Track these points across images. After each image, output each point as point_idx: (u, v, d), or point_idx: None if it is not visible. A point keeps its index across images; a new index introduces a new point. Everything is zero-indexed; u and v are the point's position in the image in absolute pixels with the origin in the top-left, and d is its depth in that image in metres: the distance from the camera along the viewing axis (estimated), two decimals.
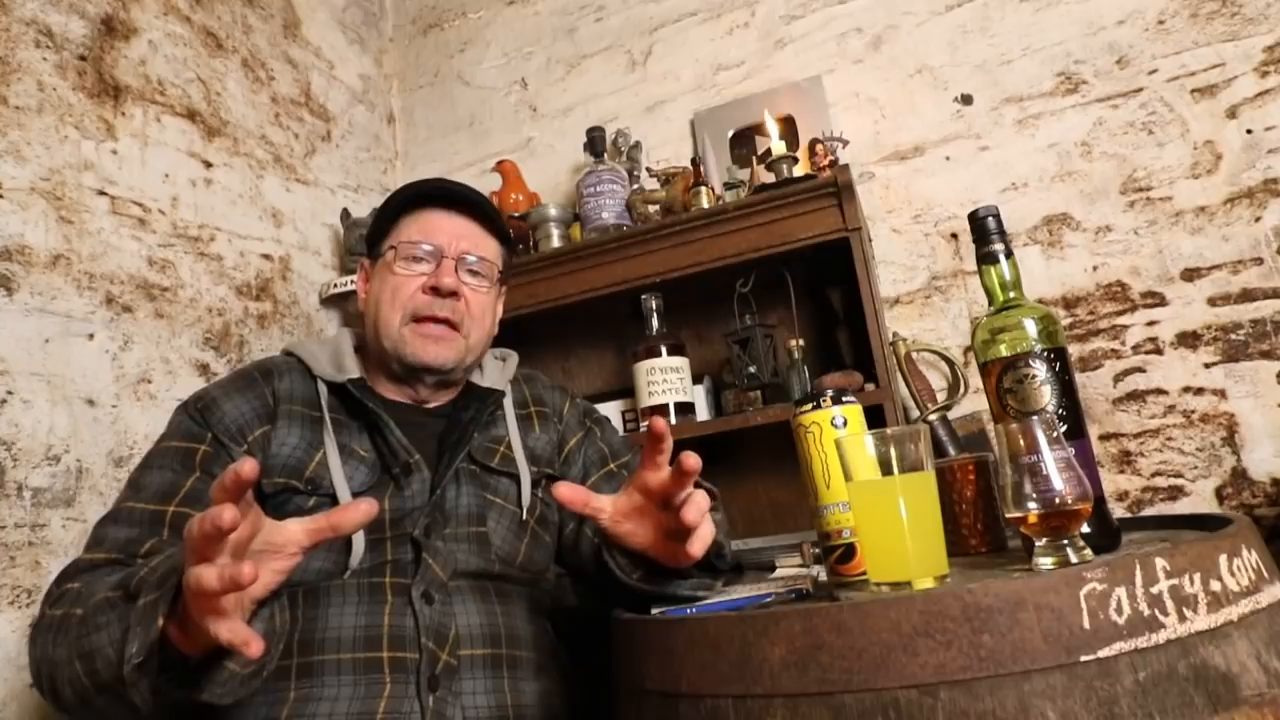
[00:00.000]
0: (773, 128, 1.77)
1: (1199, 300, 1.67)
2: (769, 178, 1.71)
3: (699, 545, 0.84)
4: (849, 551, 0.83)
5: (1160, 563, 0.62)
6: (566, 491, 0.85)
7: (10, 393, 1.29)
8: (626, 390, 1.80)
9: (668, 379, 1.69)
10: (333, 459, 1.02)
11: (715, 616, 0.71)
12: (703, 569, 0.92)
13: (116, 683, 0.75)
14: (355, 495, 1.01)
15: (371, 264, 1.17)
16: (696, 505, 0.83)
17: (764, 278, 1.78)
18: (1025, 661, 0.58)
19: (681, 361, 1.71)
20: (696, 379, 1.79)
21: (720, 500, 1.04)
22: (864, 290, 1.59)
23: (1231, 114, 1.69)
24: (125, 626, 0.75)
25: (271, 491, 1.00)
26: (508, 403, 1.19)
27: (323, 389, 1.09)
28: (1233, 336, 1.64)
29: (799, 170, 1.72)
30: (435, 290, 1.08)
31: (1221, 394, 1.63)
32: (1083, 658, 0.58)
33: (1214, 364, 1.64)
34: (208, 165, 1.75)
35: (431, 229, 1.11)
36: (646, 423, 1.69)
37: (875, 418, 1.44)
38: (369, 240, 1.18)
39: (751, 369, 1.68)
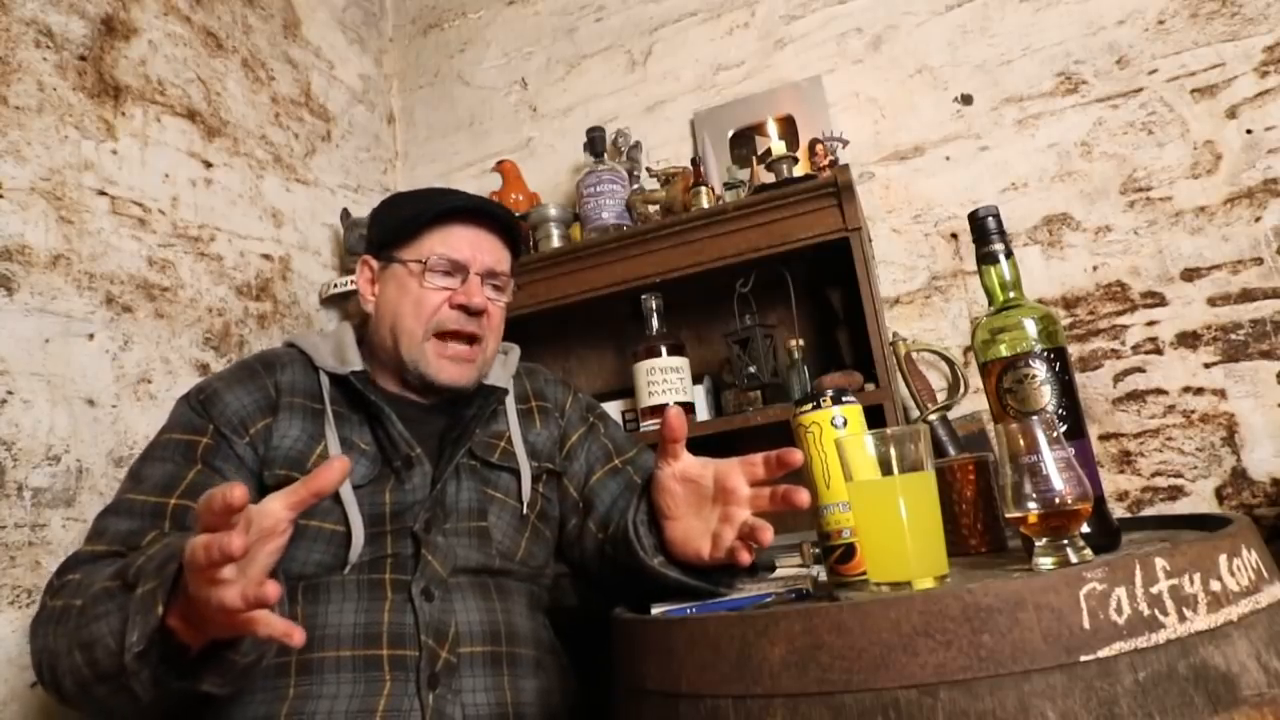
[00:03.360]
0: (772, 128, 1.77)
1: (1199, 300, 1.67)
2: (769, 178, 1.71)
3: (746, 555, 0.85)
4: (849, 551, 0.83)
5: (1160, 563, 0.62)
6: (675, 415, 0.88)
7: (10, 393, 1.29)
8: (626, 390, 1.80)
9: (668, 379, 1.69)
10: (334, 451, 1.03)
11: (715, 616, 0.71)
12: (719, 570, 0.92)
13: (117, 672, 0.76)
14: (356, 489, 1.01)
15: (380, 266, 1.15)
16: (766, 530, 0.83)
17: (764, 278, 1.78)
18: (1025, 661, 0.58)
19: (681, 361, 1.71)
20: (696, 379, 1.79)
21: None
22: (864, 290, 1.59)
23: (1231, 114, 1.69)
24: (125, 615, 0.75)
25: (273, 484, 0.99)
26: (509, 398, 1.19)
27: (324, 381, 1.09)
28: (1233, 336, 1.64)
29: (799, 170, 1.72)
30: (464, 308, 1.09)
31: (1221, 394, 1.63)
32: (1083, 658, 0.58)
33: (1214, 364, 1.64)
34: (208, 165, 1.75)
35: (457, 244, 1.11)
36: (650, 421, 1.69)
37: (875, 418, 1.44)
38: (380, 241, 1.16)
39: (751, 369, 1.68)
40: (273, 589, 0.66)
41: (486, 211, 1.14)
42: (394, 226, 1.14)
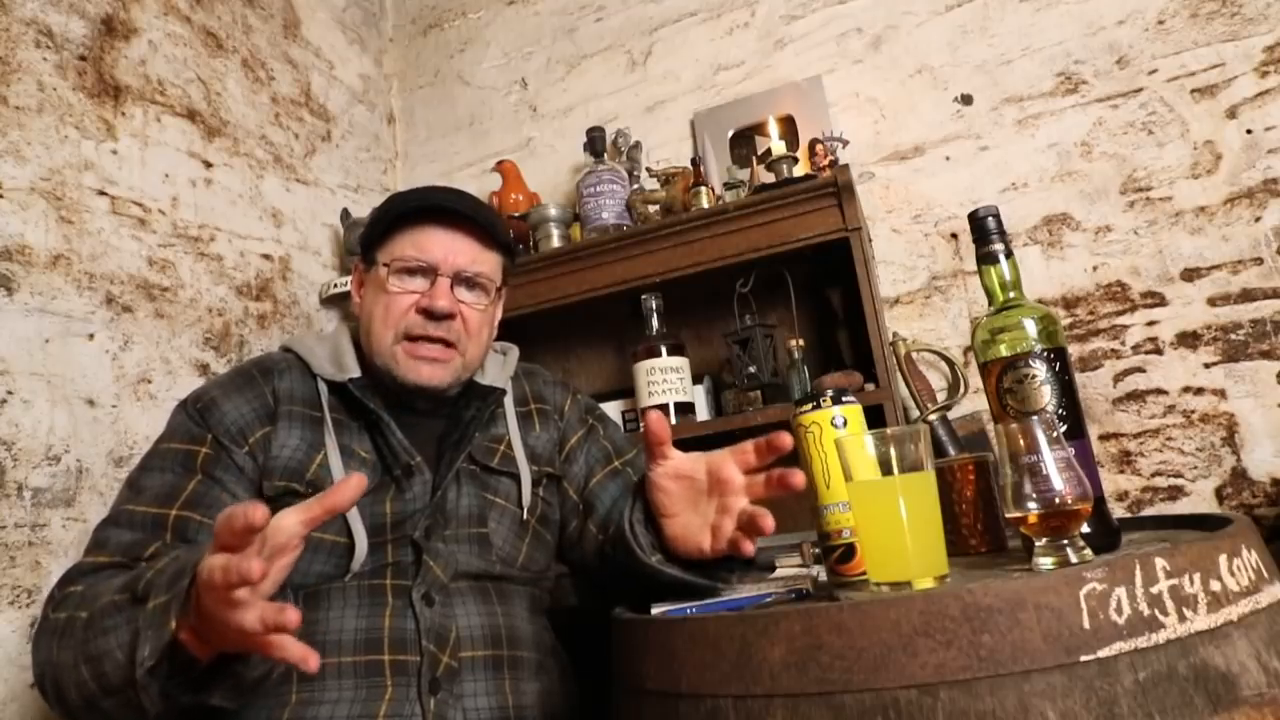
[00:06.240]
0: (773, 128, 1.77)
1: (1199, 300, 1.67)
2: (769, 178, 1.71)
3: (749, 545, 0.85)
4: (849, 551, 0.83)
5: (1160, 563, 0.62)
6: (656, 420, 0.89)
7: (10, 393, 1.29)
8: (626, 390, 1.80)
9: (668, 379, 1.69)
10: (334, 460, 1.02)
11: (715, 616, 0.71)
12: (719, 564, 0.92)
13: (127, 686, 0.76)
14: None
15: (365, 269, 1.13)
16: (766, 517, 0.83)
17: (764, 278, 1.78)
18: (1025, 661, 0.58)
19: (681, 361, 1.71)
20: (696, 379, 1.79)
21: None
22: (864, 290, 1.59)
23: (1231, 114, 1.69)
24: (134, 629, 0.75)
25: (273, 494, 0.99)
26: (508, 400, 1.17)
27: (323, 388, 1.07)
28: (1233, 336, 1.64)
29: (799, 170, 1.72)
30: (428, 312, 1.05)
31: (1221, 394, 1.63)
32: (1083, 658, 0.58)
33: (1214, 364, 1.64)
34: (208, 165, 1.75)
35: (426, 245, 1.06)
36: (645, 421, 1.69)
37: (875, 418, 1.44)
38: (363, 244, 1.14)
39: (751, 369, 1.68)
40: (293, 616, 0.66)
41: (459, 210, 1.07)
42: (371, 228, 1.11)
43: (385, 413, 1.05)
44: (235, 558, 0.65)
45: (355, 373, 1.08)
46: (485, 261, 1.10)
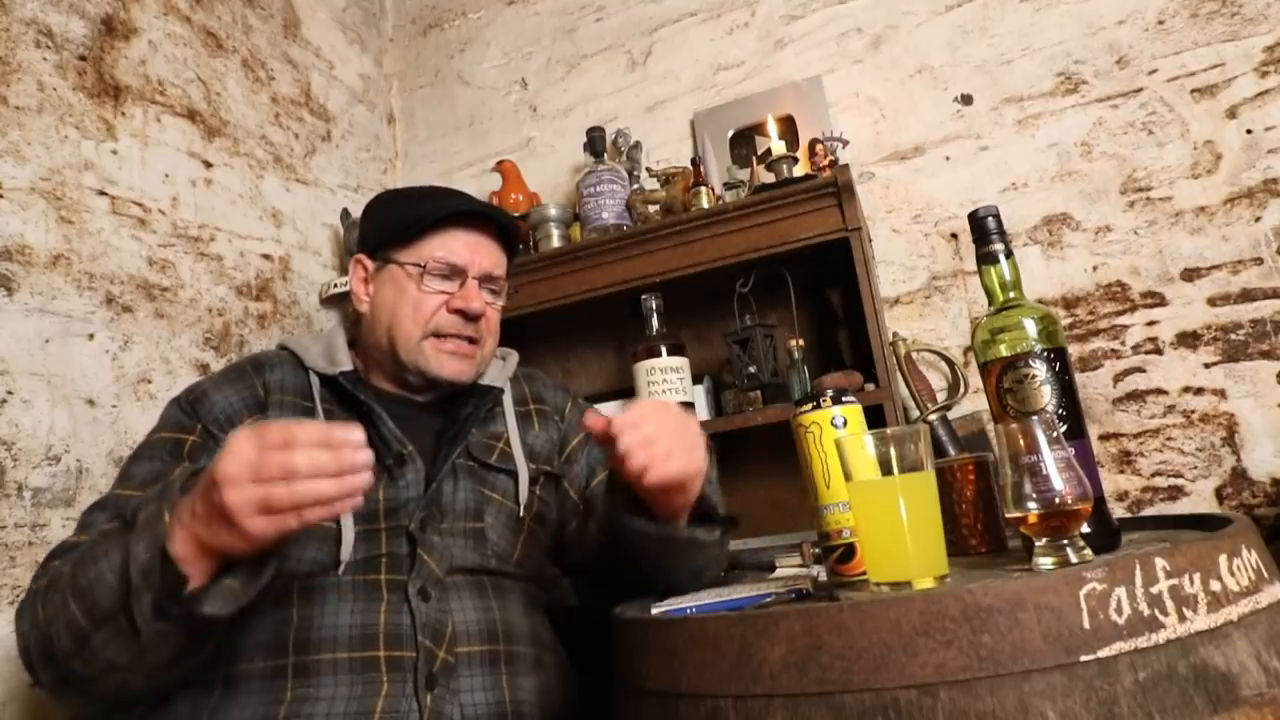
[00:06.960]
0: (773, 128, 1.77)
1: (1199, 300, 1.67)
2: (769, 178, 1.71)
3: (654, 475, 0.86)
4: (849, 551, 0.83)
5: (1160, 563, 0.62)
6: (592, 421, 0.91)
7: (10, 393, 1.29)
8: (626, 390, 1.80)
9: (668, 379, 1.68)
10: None
11: (715, 616, 0.71)
12: (697, 519, 0.97)
13: (116, 609, 0.78)
14: None
15: (376, 266, 1.15)
16: (636, 459, 0.86)
17: (764, 278, 1.78)
18: (1025, 661, 0.58)
19: (681, 361, 1.71)
20: (696, 379, 1.79)
21: (712, 455, 1.04)
22: (864, 290, 1.59)
23: (1231, 114, 1.69)
24: (124, 546, 0.78)
25: None
26: (507, 400, 1.19)
27: (315, 381, 1.10)
28: (1233, 336, 1.64)
29: (799, 170, 1.72)
30: (462, 312, 1.10)
31: (1221, 394, 1.63)
32: (1083, 658, 0.58)
33: (1214, 364, 1.64)
34: (208, 165, 1.74)
35: (456, 248, 1.12)
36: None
37: (875, 418, 1.44)
38: (377, 241, 1.15)
39: (751, 369, 1.68)
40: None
41: (486, 215, 1.15)
42: (392, 227, 1.14)
43: (377, 404, 1.07)
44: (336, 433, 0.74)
45: (346, 366, 1.11)
46: (503, 264, 1.18)
